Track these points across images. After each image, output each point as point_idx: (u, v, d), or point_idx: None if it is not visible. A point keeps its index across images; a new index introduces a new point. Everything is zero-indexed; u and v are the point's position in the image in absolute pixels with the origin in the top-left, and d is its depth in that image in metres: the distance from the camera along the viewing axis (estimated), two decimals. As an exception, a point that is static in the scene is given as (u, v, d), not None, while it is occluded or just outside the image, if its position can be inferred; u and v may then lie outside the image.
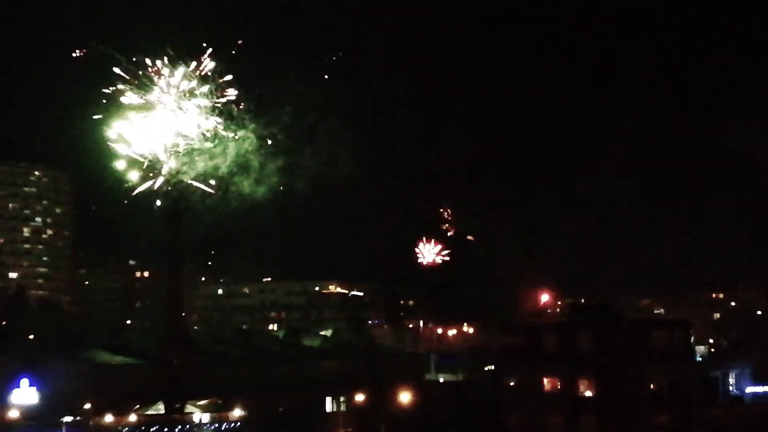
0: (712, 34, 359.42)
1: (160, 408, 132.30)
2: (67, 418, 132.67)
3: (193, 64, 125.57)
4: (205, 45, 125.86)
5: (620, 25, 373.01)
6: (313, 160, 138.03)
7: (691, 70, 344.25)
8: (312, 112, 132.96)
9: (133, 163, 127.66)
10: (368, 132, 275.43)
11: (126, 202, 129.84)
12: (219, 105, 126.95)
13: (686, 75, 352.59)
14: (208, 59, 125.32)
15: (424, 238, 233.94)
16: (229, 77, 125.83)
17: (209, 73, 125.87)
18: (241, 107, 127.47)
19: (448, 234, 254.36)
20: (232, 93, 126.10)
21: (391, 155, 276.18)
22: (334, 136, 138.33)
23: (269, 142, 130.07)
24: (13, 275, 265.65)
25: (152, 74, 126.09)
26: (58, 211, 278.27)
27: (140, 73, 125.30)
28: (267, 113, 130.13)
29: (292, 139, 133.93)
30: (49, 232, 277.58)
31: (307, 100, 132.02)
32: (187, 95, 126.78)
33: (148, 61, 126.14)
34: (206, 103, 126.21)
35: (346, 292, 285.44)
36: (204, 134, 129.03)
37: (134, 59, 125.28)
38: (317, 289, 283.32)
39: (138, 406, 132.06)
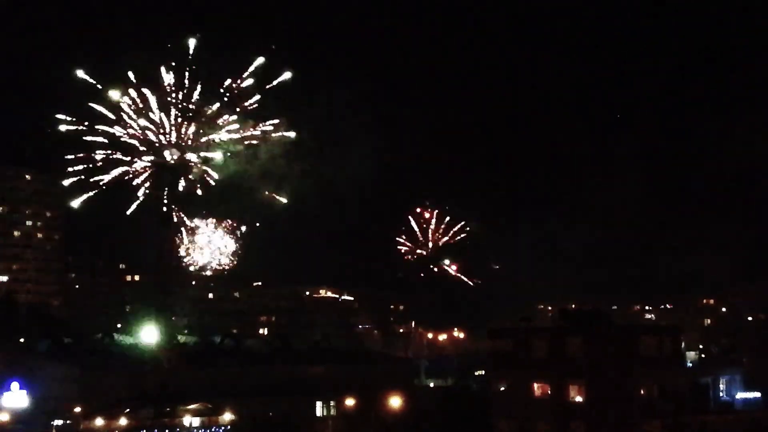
0: (716, 36, 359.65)
1: (150, 412, 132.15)
2: (58, 422, 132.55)
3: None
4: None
5: (624, 27, 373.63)
6: (329, 165, 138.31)
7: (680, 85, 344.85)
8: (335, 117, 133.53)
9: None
10: (376, 134, 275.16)
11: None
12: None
13: (678, 88, 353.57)
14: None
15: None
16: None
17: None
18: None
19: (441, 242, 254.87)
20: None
21: (390, 157, 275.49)
22: (352, 141, 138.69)
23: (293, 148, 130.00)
24: (2, 279, 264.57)
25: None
26: (47, 214, 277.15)
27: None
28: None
29: (316, 144, 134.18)
30: (39, 235, 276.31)
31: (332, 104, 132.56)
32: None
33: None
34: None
35: (337, 296, 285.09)
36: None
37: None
38: (307, 293, 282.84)
39: (128, 410, 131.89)
